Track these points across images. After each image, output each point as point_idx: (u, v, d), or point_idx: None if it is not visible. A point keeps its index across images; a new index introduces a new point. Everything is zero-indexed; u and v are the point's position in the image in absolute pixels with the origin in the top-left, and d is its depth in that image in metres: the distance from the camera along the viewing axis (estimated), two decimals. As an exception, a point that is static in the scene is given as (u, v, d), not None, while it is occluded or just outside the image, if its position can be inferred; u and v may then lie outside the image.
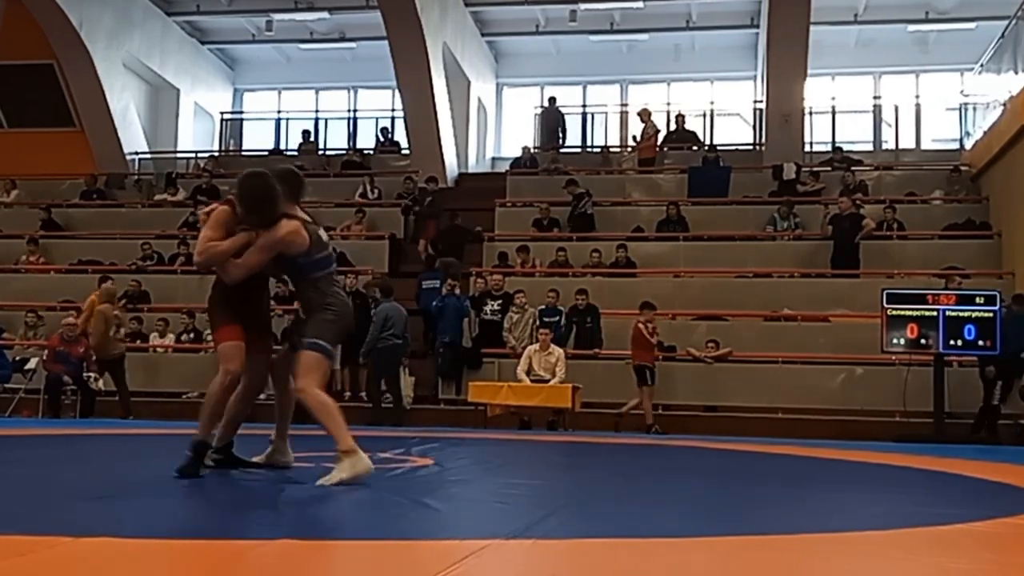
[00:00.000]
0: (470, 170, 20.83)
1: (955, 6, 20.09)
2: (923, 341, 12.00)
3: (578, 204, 16.63)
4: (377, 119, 22.43)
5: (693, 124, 20.45)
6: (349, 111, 23.79)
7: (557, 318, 13.60)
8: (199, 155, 21.89)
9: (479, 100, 22.28)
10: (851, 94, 21.72)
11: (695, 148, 19.37)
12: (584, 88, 23.27)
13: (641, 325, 12.53)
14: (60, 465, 5.81)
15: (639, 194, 18.12)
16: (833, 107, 21.02)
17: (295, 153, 21.50)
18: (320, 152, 21.58)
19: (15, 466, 5.61)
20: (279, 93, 24.66)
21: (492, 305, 14.00)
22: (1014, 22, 15.25)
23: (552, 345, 12.85)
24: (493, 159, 22.89)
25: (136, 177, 20.49)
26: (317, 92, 24.33)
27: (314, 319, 5.16)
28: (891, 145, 20.25)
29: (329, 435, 4.99)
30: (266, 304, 5.66)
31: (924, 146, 20.06)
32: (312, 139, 21.89)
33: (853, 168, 17.43)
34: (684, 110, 20.44)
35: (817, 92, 20.31)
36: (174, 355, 14.56)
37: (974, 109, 18.31)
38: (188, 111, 22.87)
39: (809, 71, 17.73)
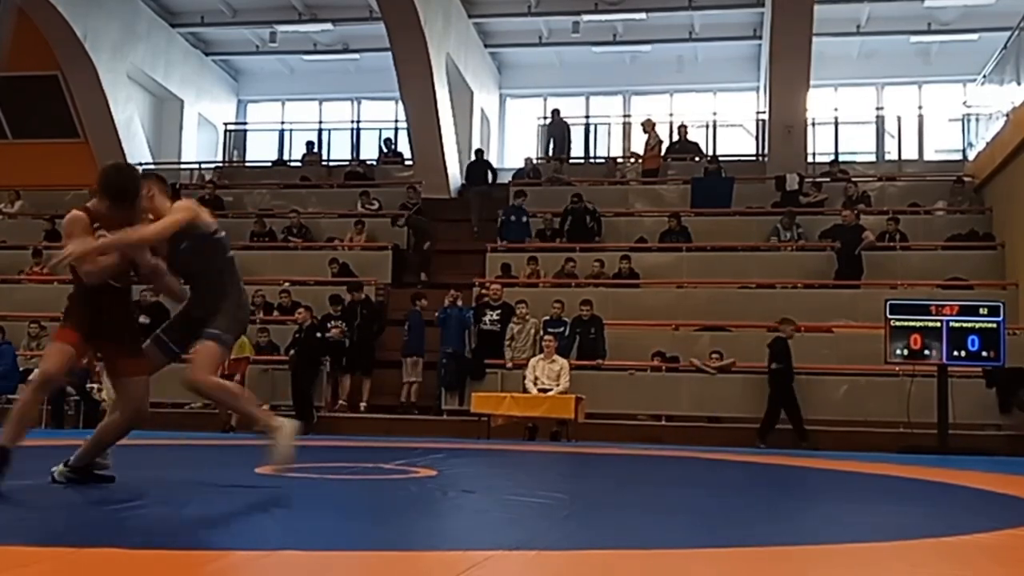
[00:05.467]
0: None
1: (957, 17, 20.11)
2: (926, 352, 11.98)
3: (577, 211, 16.61)
4: (380, 130, 22.46)
5: (696, 135, 20.46)
6: (352, 122, 23.82)
7: (562, 329, 13.60)
8: (203, 166, 21.94)
9: (482, 111, 22.31)
10: (854, 105, 21.74)
11: (698, 159, 19.38)
12: (587, 99, 23.30)
13: None
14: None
15: (642, 205, 18.13)
16: (836, 118, 21.03)
17: (299, 164, 21.55)
18: (323, 163, 21.62)
19: (18, 477, 5.60)
20: (283, 104, 24.71)
21: (491, 315, 14.03)
22: (1016, 33, 15.27)
23: (556, 355, 12.85)
24: (496, 170, 22.92)
25: (140, 188, 20.49)
26: (321, 103, 24.38)
27: (222, 312, 5.04)
28: (894, 156, 20.23)
29: (247, 416, 5.07)
30: (132, 318, 5.32)
31: (927, 157, 20.05)
32: (316, 150, 21.93)
33: (855, 179, 17.44)
34: (687, 121, 20.46)
35: (820, 103, 20.33)
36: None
37: (977, 120, 18.31)
38: (192, 122, 22.91)
39: (812, 82, 17.74)
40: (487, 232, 17.43)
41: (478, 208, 18.24)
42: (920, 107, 21.14)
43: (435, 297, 14.81)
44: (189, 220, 4.96)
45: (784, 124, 17.85)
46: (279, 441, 5.05)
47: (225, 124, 23.82)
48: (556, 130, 20.71)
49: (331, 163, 21.74)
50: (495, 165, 22.84)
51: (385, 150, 21.59)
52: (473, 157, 19.59)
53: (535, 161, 20.06)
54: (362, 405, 13.87)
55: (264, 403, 14.31)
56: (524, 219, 16.95)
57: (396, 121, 21.94)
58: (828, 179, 17.72)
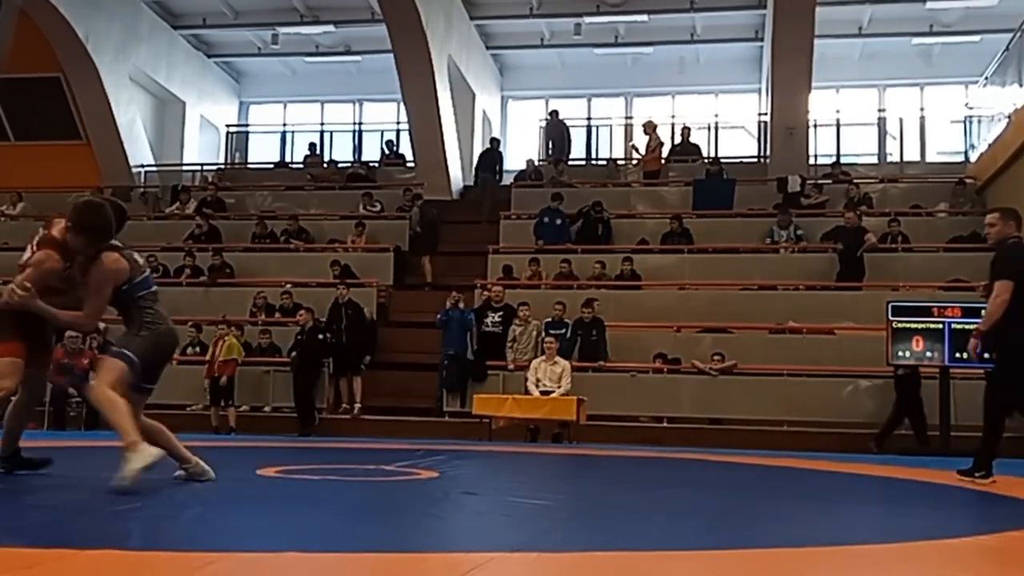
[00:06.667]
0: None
1: (959, 19, 20.12)
2: (928, 354, 11.97)
3: (589, 216, 16.61)
4: (382, 132, 22.49)
5: (697, 136, 20.45)
6: (354, 124, 23.86)
7: (563, 331, 13.60)
8: (205, 168, 21.96)
9: (484, 113, 22.32)
10: (855, 107, 21.74)
11: (699, 160, 19.37)
12: (589, 101, 23.32)
13: None
14: (64, 477, 5.81)
15: (644, 207, 18.13)
16: (837, 120, 21.03)
17: (301, 166, 21.56)
18: (325, 165, 21.65)
19: (20, 478, 5.62)
20: (285, 106, 24.74)
21: (493, 317, 14.04)
22: (1018, 35, 15.27)
23: (558, 357, 12.86)
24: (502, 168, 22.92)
25: (142, 190, 20.53)
26: (323, 105, 24.41)
27: (128, 334, 5.31)
28: (896, 158, 20.24)
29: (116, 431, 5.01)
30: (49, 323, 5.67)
31: (929, 159, 20.04)
32: (318, 152, 21.95)
33: (856, 181, 17.44)
34: (689, 123, 20.47)
35: (821, 105, 20.33)
36: (178, 367, 14.54)
37: (979, 122, 18.31)
38: (194, 124, 22.93)
39: (813, 84, 17.74)
40: (491, 230, 17.39)
41: (491, 193, 18.56)
42: (922, 109, 21.13)
43: (438, 299, 14.82)
44: (109, 291, 5.25)
45: (786, 126, 17.86)
46: (130, 462, 4.86)
47: (227, 126, 23.85)
48: (555, 132, 20.73)
49: (333, 164, 21.76)
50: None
51: (387, 152, 21.61)
52: (488, 145, 20.05)
53: (537, 163, 20.07)
54: (356, 406, 13.85)
55: (265, 404, 14.41)
56: (558, 221, 16.77)
57: (398, 123, 21.98)
58: (830, 181, 17.72)
